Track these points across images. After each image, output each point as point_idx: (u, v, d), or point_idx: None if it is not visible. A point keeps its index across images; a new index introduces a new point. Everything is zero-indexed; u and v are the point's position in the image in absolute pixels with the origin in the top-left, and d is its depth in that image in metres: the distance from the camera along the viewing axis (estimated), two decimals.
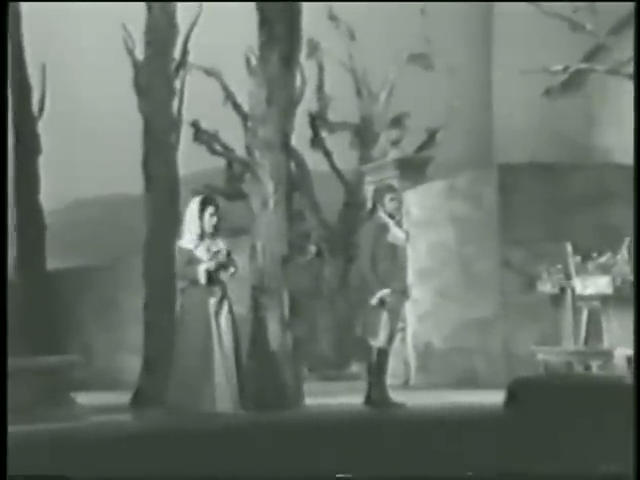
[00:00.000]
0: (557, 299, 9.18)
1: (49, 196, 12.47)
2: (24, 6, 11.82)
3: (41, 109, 12.50)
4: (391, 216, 7.98)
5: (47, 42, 13.25)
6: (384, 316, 7.88)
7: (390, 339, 8.00)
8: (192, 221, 7.47)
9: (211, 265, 7.37)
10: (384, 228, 7.95)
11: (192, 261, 7.40)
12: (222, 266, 7.42)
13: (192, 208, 7.53)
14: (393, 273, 7.92)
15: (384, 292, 7.84)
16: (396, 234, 8.00)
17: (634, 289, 8.41)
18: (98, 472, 4.09)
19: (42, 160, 12.15)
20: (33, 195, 12.04)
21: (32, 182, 12.06)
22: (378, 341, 7.92)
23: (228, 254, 7.49)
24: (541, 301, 9.43)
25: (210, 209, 7.48)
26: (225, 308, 7.42)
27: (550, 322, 9.39)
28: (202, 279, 7.36)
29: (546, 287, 9.29)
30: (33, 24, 12.04)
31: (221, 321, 7.37)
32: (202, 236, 7.45)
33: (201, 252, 7.44)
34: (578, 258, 9.00)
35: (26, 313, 11.33)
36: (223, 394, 7.17)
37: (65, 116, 14.44)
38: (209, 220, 7.46)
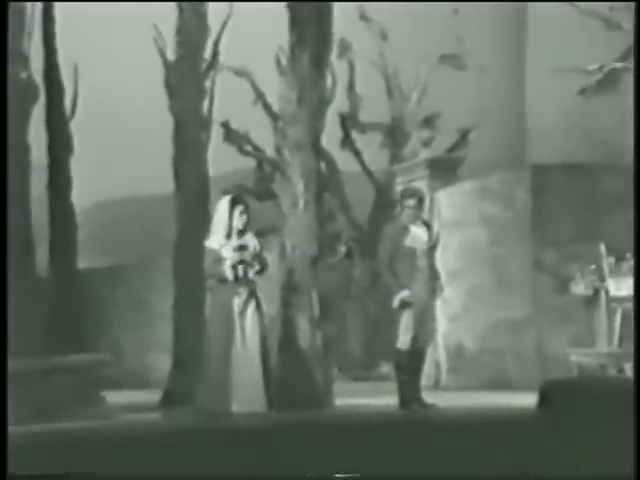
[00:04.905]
0: (590, 300, 9.09)
1: (81, 195, 12.53)
2: (57, 8, 11.88)
3: (73, 110, 12.56)
4: (409, 219, 7.88)
5: (79, 43, 13.32)
6: (404, 318, 7.80)
7: (417, 340, 7.87)
8: (221, 219, 7.45)
9: (235, 258, 7.31)
10: (404, 230, 7.86)
11: (219, 260, 7.37)
12: (245, 262, 7.35)
13: (222, 206, 7.51)
14: (414, 275, 7.80)
15: (404, 294, 7.75)
16: (416, 236, 7.88)
17: (634, 287, 8.33)
18: (126, 470, 4.08)
19: (74, 160, 12.20)
20: (65, 194, 12.10)
21: (64, 182, 12.11)
22: (401, 343, 7.84)
23: (257, 251, 7.44)
24: (574, 302, 9.34)
25: (239, 208, 7.46)
26: (251, 307, 7.37)
27: (583, 324, 9.30)
28: (229, 275, 7.32)
29: (579, 288, 9.20)
30: (66, 26, 12.11)
31: (246, 320, 7.33)
32: (230, 235, 7.42)
33: (227, 251, 7.40)
34: (612, 259, 8.90)
35: (57, 311, 11.38)
36: (248, 394, 7.14)
37: (97, 116, 14.51)
38: (238, 219, 7.44)
